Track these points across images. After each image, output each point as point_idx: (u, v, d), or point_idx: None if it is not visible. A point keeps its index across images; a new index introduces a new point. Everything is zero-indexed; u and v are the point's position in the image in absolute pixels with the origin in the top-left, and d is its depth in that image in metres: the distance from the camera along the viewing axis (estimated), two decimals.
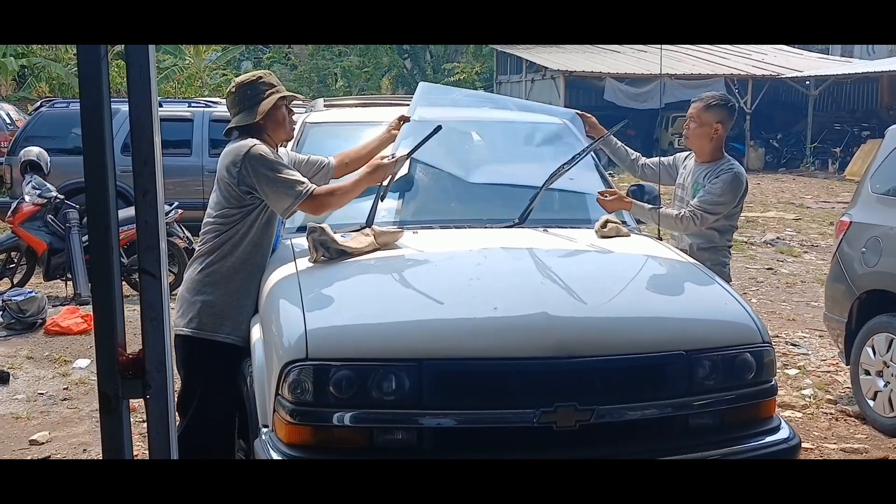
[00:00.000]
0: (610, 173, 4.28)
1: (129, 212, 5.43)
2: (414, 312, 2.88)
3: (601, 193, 3.83)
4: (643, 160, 4.34)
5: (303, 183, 3.25)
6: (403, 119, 3.80)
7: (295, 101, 3.57)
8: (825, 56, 30.70)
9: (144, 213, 1.54)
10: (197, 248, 3.44)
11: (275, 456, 2.66)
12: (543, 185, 3.69)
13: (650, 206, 3.93)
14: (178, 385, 3.62)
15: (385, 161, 3.43)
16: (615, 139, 4.36)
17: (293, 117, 3.53)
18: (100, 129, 1.52)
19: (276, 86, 3.44)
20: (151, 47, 1.52)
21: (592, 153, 4.14)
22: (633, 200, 3.92)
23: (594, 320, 2.86)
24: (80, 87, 1.53)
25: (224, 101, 3.82)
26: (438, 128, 3.51)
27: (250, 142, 3.29)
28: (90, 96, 1.50)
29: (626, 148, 4.40)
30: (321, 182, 3.50)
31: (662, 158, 4.36)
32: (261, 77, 3.45)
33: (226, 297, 3.32)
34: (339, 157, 3.73)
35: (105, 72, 1.53)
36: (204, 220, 3.42)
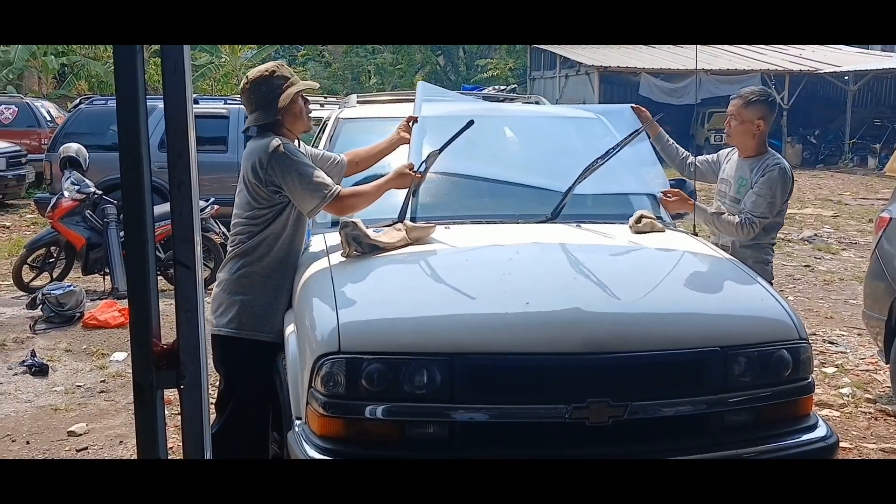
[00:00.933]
0: None
1: (165, 207, 5.49)
2: (446, 307, 2.88)
3: (665, 193, 3.81)
4: (691, 158, 4.30)
5: (328, 185, 3.26)
6: (412, 120, 3.81)
7: (310, 90, 3.56)
8: (865, 51, 30.17)
9: (179, 205, 1.55)
10: (230, 249, 3.43)
11: (307, 448, 2.67)
12: (576, 180, 3.67)
13: (711, 209, 3.90)
14: (213, 381, 3.67)
15: (409, 171, 3.42)
16: (666, 136, 4.33)
17: (309, 107, 3.53)
18: (135, 123, 1.53)
19: (290, 78, 3.41)
20: (187, 50, 1.53)
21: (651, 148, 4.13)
22: (696, 203, 3.92)
23: (627, 316, 2.84)
24: (116, 83, 1.54)
25: None
26: (470, 122, 3.50)
27: (274, 140, 3.29)
28: (126, 92, 1.52)
29: (677, 146, 4.35)
30: (335, 179, 3.51)
31: (707, 156, 4.33)
32: (274, 71, 3.40)
33: (264, 297, 3.35)
34: (351, 156, 3.76)
35: (140, 69, 1.54)
36: (233, 221, 3.43)
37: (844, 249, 10.78)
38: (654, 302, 2.99)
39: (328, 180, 3.29)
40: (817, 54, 27.91)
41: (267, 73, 3.39)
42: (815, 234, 11.74)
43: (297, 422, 2.86)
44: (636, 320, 2.84)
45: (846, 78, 24.67)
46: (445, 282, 3.08)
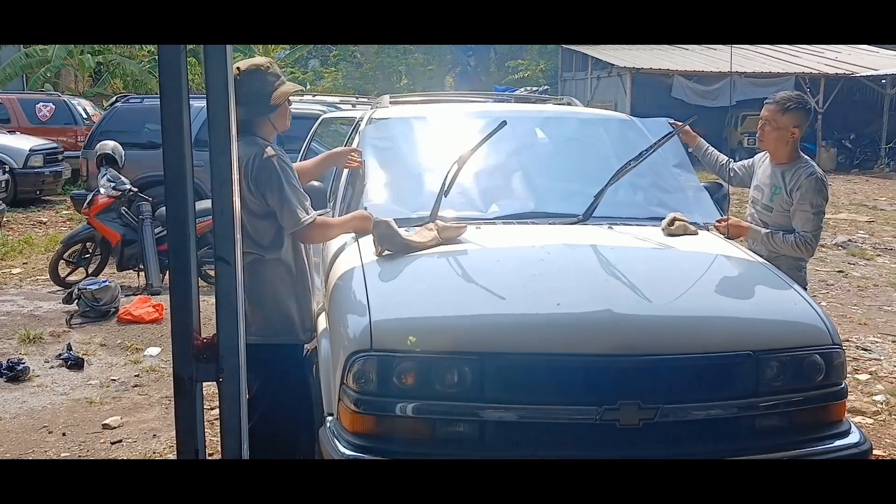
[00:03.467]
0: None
1: (200, 205, 5.56)
2: (477, 307, 2.89)
3: (718, 221, 3.81)
4: (731, 164, 4.27)
5: (308, 210, 3.31)
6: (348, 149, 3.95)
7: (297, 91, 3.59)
8: None
9: (221, 202, 1.59)
10: (244, 256, 3.41)
11: (338, 444, 2.70)
12: (609, 181, 3.67)
13: (765, 230, 3.91)
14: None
15: (369, 217, 3.39)
16: (706, 144, 4.32)
17: (290, 106, 3.55)
18: (178, 120, 1.57)
19: (280, 76, 3.44)
20: (229, 49, 1.57)
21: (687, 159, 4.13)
22: (751, 225, 3.92)
23: (659, 318, 2.83)
24: (161, 82, 1.58)
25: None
26: (503, 123, 3.52)
27: (267, 147, 3.31)
28: (170, 90, 1.55)
29: (717, 152, 4.34)
30: None
31: (744, 161, 4.31)
32: (268, 67, 3.41)
33: (282, 302, 3.39)
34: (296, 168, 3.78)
35: (184, 68, 1.58)
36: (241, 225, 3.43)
37: (879, 255, 10.64)
38: (687, 305, 2.98)
39: (308, 204, 3.33)
40: (853, 57, 27.55)
41: (262, 68, 3.39)
42: (850, 240, 11.59)
43: (329, 418, 2.89)
44: (668, 323, 2.83)
45: (883, 81, 24.32)
46: (477, 282, 3.09)
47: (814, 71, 25.03)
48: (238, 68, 3.38)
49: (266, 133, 3.42)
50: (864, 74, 24.58)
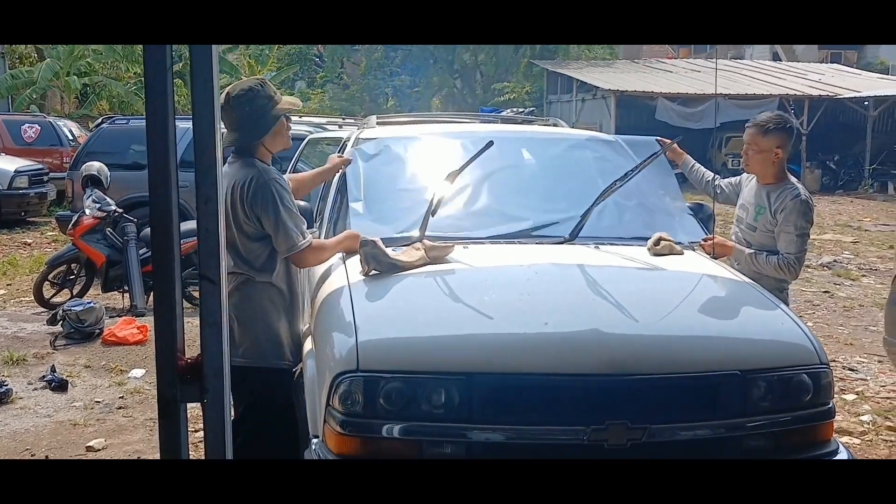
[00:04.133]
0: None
1: (185, 226, 5.54)
2: (464, 326, 2.88)
3: (704, 240, 3.83)
4: (718, 181, 4.30)
5: (304, 234, 3.30)
6: (344, 161, 3.94)
7: (293, 111, 3.52)
8: (884, 76, 30.11)
9: (206, 220, 1.58)
10: (235, 277, 3.36)
11: None
12: (595, 201, 3.68)
13: (749, 250, 3.93)
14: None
15: (358, 234, 3.37)
16: (692, 161, 4.35)
17: (290, 124, 3.51)
18: (164, 140, 1.56)
19: (273, 96, 3.37)
20: (215, 57, 1.56)
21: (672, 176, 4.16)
22: (735, 245, 3.94)
23: (647, 338, 2.83)
24: (147, 97, 1.57)
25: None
26: (490, 143, 3.52)
27: (266, 171, 3.30)
28: (156, 110, 1.54)
29: (704, 169, 4.37)
30: None
31: (731, 179, 4.33)
32: (258, 90, 3.33)
33: (272, 324, 3.37)
34: (292, 180, 3.80)
35: (170, 83, 1.57)
36: (229, 246, 3.34)
37: (864, 276, 10.70)
38: (674, 324, 2.98)
39: (304, 228, 3.32)
40: (836, 79, 27.86)
41: (251, 92, 3.33)
42: (835, 260, 11.66)
43: (314, 440, 2.86)
44: (656, 342, 2.83)
45: (866, 103, 24.58)
46: (464, 301, 3.08)
47: (798, 92, 25.28)
48: (228, 93, 3.34)
49: (262, 155, 3.39)
50: (848, 96, 24.84)
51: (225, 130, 3.42)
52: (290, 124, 3.50)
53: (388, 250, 3.24)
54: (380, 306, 3.06)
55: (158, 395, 1.59)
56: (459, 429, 2.65)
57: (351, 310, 2.94)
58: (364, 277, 3.19)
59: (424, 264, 3.26)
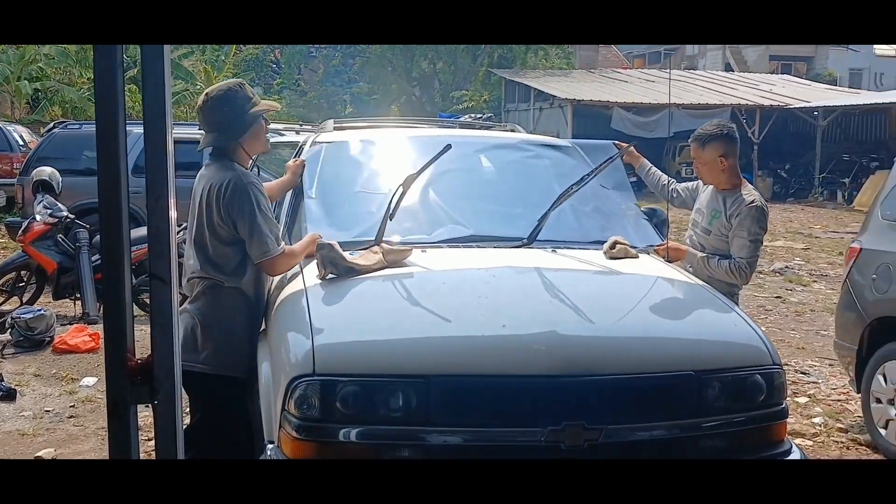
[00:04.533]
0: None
1: (137, 232, 5.44)
2: (422, 329, 2.87)
3: (658, 247, 3.88)
4: (673, 185, 4.35)
5: (278, 240, 3.26)
6: (299, 163, 3.90)
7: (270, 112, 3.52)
8: (833, 87, 30.81)
9: (156, 218, 1.54)
10: (198, 280, 3.32)
11: None
12: (552, 205, 3.69)
13: (701, 254, 3.97)
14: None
15: (318, 238, 3.32)
16: (649, 165, 4.40)
17: (268, 127, 3.50)
18: (114, 142, 1.52)
19: (252, 98, 3.35)
20: (167, 50, 1.53)
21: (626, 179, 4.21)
22: (688, 248, 3.98)
23: (604, 339, 2.85)
24: (96, 99, 1.53)
25: None
26: (448, 147, 3.52)
27: (244, 174, 3.26)
28: (106, 114, 1.51)
29: (660, 173, 4.42)
30: None
31: (688, 183, 4.38)
32: (237, 90, 3.32)
33: (239, 332, 3.31)
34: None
35: (121, 85, 1.53)
36: (195, 251, 3.32)
37: (815, 281, 10.92)
38: (630, 326, 3.01)
39: (278, 234, 3.29)
40: (787, 89, 28.44)
41: (230, 92, 3.31)
42: (787, 266, 11.87)
43: (270, 446, 2.82)
44: (612, 344, 2.85)
45: (815, 113, 25.12)
46: (422, 304, 3.07)
47: (749, 102, 25.73)
48: (206, 94, 3.31)
49: (241, 158, 3.35)
50: (798, 106, 25.35)
51: (203, 132, 3.39)
52: (269, 127, 3.48)
53: (346, 254, 3.22)
54: (336, 310, 3.03)
55: (108, 397, 1.55)
56: (417, 432, 2.63)
57: (307, 313, 2.91)
58: (321, 281, 3.17)
59: (382, 268, 3.24)
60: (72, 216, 8.10)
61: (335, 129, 4.72)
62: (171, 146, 1.58)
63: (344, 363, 2.69)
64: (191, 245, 3.34)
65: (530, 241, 3.63)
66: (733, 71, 36.61)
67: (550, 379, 2.67)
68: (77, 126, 11.31)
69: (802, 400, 5.89)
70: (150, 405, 1.58)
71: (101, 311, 7.73)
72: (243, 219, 3.19)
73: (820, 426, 5.36)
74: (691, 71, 35.52)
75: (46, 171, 8.31)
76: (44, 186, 8.17)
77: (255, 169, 3.66)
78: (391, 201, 3.44)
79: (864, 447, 5.02)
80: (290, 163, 4.04)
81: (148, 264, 1.56)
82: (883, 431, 4.89)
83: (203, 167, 3.41)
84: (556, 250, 3.61)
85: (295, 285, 3.21)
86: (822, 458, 4.81)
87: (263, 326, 3.41)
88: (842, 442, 5.12)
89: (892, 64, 42.88)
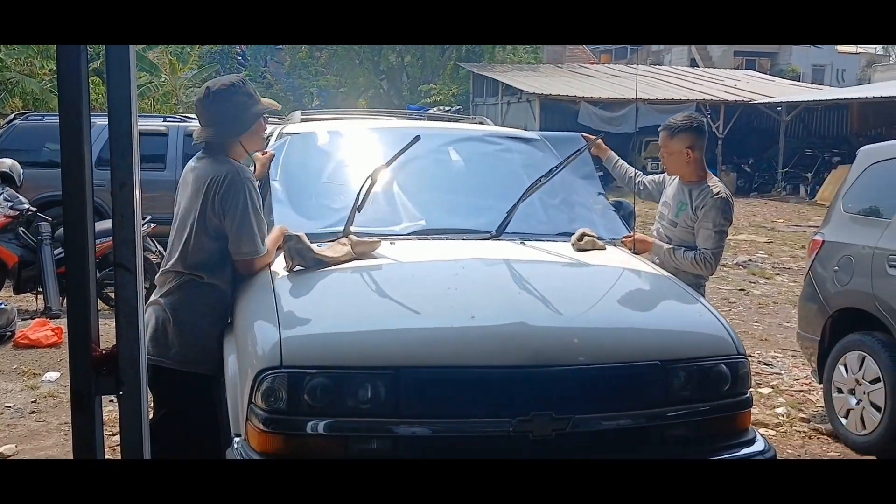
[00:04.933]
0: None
1: (101, 225, 5.37)
2: (391, 321, 2.86)
3: (625, 237, 3.90)
4: (640, 177, 4.38)
5: (263, 241, 3.22)
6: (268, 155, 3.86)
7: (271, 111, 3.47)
8: (796, 83, 31.23)
9: (121, 206, 1.52)
10: (173, 274, 3.27)
11: None
12: (520, 198, 3.70)
13: (668, 245, 4.00)
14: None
15: (286, 231, 3.30)
16: (616, 157, 4.43)
17: (266, 126, 3.47)
18: (78, 133, 1.50)
19: (253, 95, 3.32)
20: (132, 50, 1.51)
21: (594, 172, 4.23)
22: (655, 240, 4.02)
23: (571, 330, 2.86)
24: (60, 92, 1.50)
25: None
26: (417, 138, 3.51)
27: (242, 169, 3.21)
28: (70, 104, 1.48)
29: (627, 166, 4.45)
30: None
31: (654, 176, 4.41)
32: (240, 86, 3.28)
33: (213, 330, 3.26)
34: None
35: (85, 81, 1.51)
36: (176, 243, 3.28)
37: (778, 274, 11.07)
38: (597, 317, 3.03)
39: (266, 235, 3.24)
40: (751, 85, 28.77)
41: (233, 87, 3.26)
42: (750, 260, 12.03)
43: (237, 439, 2.79)
44: (580, 334, 2.87)
45: (779, 108, 25.44)
46: (390, 296, 3.06)
47: (714, 98, 25.98)
48: (208, 88, 3.26)
49: (237, 154, 3.30)
50: (762, 101, 25.66)
51: (197, 126, 3.33)
52: (267, 125, 3.44)
53: (314, 245, 3.20)
54: (304, 301, 3.01)
55: (71, 388, 1.53)
56: (386, 423, 2.63)
57: (274, 305, 2.89)
58: (288, 273, 3.14)
59: (350, 260, 3.22)
60: (33, 209, 7.97)
61: (302, 120, 4.69)
62: (136, 135, 1.56)
63: (312, 355, 2.67)
64: (173, 238, 3.29)
65: (499, 233, 3.63)
66: (698, 66, 36.97)
67: (519, 370, 2.68)
68: (39, 118, 11.11)
69: (766, 391, 5.98)
70: (115, 397, 1.56)
71: (64, 306, 7.61)
72: (234, 213, 3.13)
73: (783, 416, 5.44)
74: (657, 66, 35.79)
75: (7, 164, 8.16)
76: (4, 179, 8.02)
77: (253, 168, 3.61)
78: (360, 193, 3.43)
79: (825, 436, 5.10)
80: (259, 154, 3.99)
81: (113, 253, 1.54)
82: (844, 420, 4.98)
83: (194, 159, 3.35)
84: (525, 242, 3.62)
85: (262, 277, 3.19)
86: (786, 448, 4.88)
87: (230, 319, 3.38)
88: (804, 431, 5.20)
89: (854, 60, 43.63)
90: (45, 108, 21.86)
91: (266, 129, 3.47)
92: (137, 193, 1.54)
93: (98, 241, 6.56)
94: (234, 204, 3.14)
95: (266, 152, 3.97)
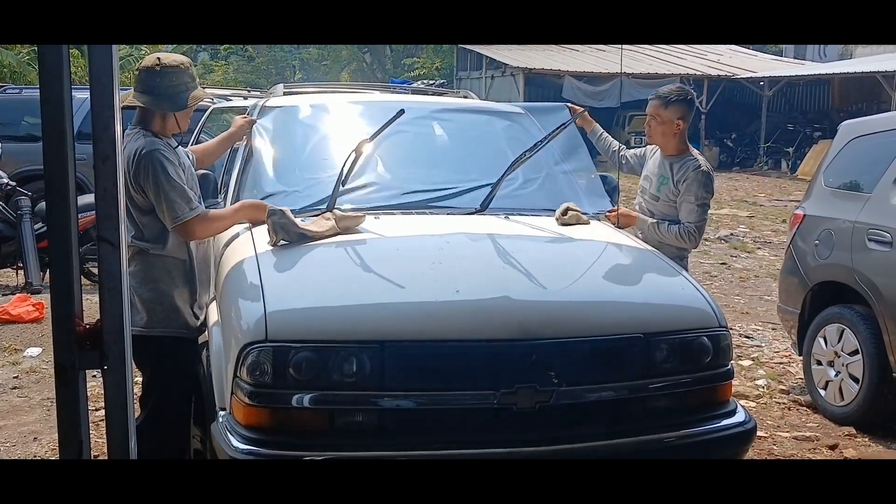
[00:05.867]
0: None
1: (83, 199, 5.32)
2: (376, 295, 2.87)
3: (608, 212, 3.91)
4: (624, 151, 4.39)
5: (193, 203, 3.26)
6: (249, 121, 3.94)
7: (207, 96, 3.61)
8: (779, 58, 31.26)
9: (104, 180, 1.51)
10: (130, 249, 3.32)
11: (232, 438, 2.62)
12: (505, 172, 3.70)
13: (651, 219, 4.01)
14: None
15: (263, 205, 3.34)
16: (601, 130, 4.42)
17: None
18: (59, 108, 1.48)
19: (195, 79, 3.44)
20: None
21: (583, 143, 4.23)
22: (639, 215, 4.02)
23: (555, 304, 2.88)
24: (40, 67, 1.48)
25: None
26: (401, 112, 3.50)
27: (151, 143, 3.27)
28: (51, 79, 1.47)
29: (611, 139, 4.45)
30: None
31: (636, 150, 4.41)
32: (188, 67, 3.40)
33: (170, 292, 3.33)
34: (199, 153, 3.80)
35: (66, 60, 1.50)
36: (127, 217, 3.29)
37: (759, 248, 11.14)
38: (581, 290, 3.04)
39: (191, 199, 3.27)
40: (735, 60, 28.77)
41: (182, 67, 3.37)
42: (732, 234, 12.10)
43: (222, 412, 2.80)
44: (563, 308, 2.88)
45: (762, 83, 25.49)
46: (375, 270, 3.06)
47: (697, 72, 25.99)
48: (159, 59, 3.36)
49: (160, 129, 3.35)
50: (744, 77, 25.70)
51: (135, 89, 3.39)
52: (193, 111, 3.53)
53: (297, 220, 3.19)
54: (289, 276, 3.01)
55: (55, 363, 1.53)
56: (371, 396, 2.64)
57: (259, 279, 2.89)
58: (272, 247, 3.14)
59: (335, 234, 3.22)
60: (13, 183, 7.89)
61: (285, 93, 4.65)
62: (118, 109, 1.55)
63: (297, 329, 2.68)
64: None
65: (484, 207, 3.63)
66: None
67: (503, 343, 2.69)
68: (17, 90, 10.97)
69: (746, 363, 6.04)
70: (98, 371, 1.56)
71: (45, 281, 7.55)
72: (149, 187, 3.22)
73: (763, 388, 5.50)
74: None
75: None
76: None
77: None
78: (343, 167, 3.41)
79: (804, 407, 5.16)
80: (239, 118, 3.99)
81: (96, 227, 1.53)
82: (822, 392, 5.04)
83: (126, 134, 3.39)
84: (509, 217, 3.62)
85: (246, 251, 3.17)
86: (766, 419, 4.94)
87: (212, 294, 3.37)
88: (784, 403, 5.26)
89: None
90: (23, 80, 21.52)
91: (190, 113, 3.50)
92: (119, 168, 1.53)
93: (80, 216, 6.54)
94: (146, 179, 3.21)
95: (246, 116, 3.97)
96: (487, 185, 3.69)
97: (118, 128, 1.53)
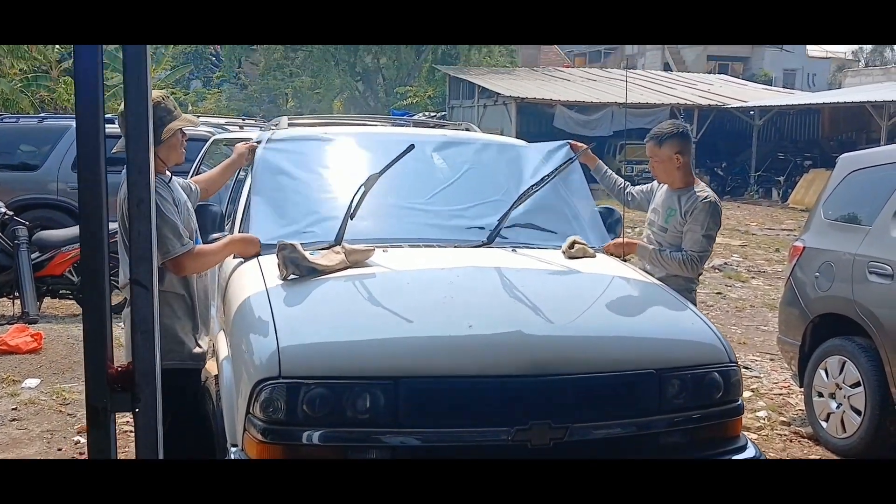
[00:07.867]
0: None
1: (75, 230, 5.31)
2: (389, 330, 2.87)
3: (607, 246, 3.93)
4: (630, 188, 4.43)
5: (184, 239, 3.25)
6: (252, 147, 3.96)
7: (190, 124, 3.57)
8: (768, 87, 31.61)
9: (138, 222, 1.52)
10: (127, 285, 3.27)
11: None
12: (512, 206, 3.72)
13: (652, 246, 4.03)
14: None
15: (255, 240, 3.43)
16: (605, 167, 4.46)
17: (185, 140, 3.52)
18: (95, 142, 1.49)
19: (173, 111, 3.41)
20: (148, 57, 1.51)
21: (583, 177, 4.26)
22: (639, 242, 4.04)
23: (568, 339, 2.89)
24: (77, 97, 1.50)
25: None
26: (411, 147, 3.52)
27: None
28: (86, 110, 1.48)
29: (616, 176, 4.49)
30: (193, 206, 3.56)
31: (643, 186, 4.45)
32: (160, 102, 3.37)
33: (173, 323, 3.31)
34: (202, 183, 3.82)
35: (101, 88, 1.51)
36: (127, 255, 3.30)
37: (753, 277, 11.19)
38: (593, 325, 3.06)
39: (182, 234, 3.27)
40: (725, 89, 29.08)
41: (153, 102, 3.37)
42: (726, 263, 12.15)
43: (233, 449, 2.79)
44: (577, 343, 2.89)
45: (751, 112, 25.74)
46: (387, 305, 3.06)
47: (688, 102, 26.24)
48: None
49: (157, 169, 3.33)
50: (734, 106, 25.94)
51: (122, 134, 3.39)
52: (186, 140, 3.51)
53: (307, 253, 3.19)
54: (300, 311, 3.01)
55: (87, 405, 1.52)
56: (384, 433, 2.63)
57: (270, 314, 2.89)
58: (282, 282, 3.14)
59: (345, 268, 3.22)
60: (10, 213, 7.86)
61: (290, 126, 4.67)
62: (151, 150, 1.56)
63: (310, 365, 2.67)
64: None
65: (490, 240, 3.65)
66: (672, 70, 37.28)
67: (517, 379, 2.70)
68: (13, 120, 10.97)
69: (746, 394, 6.04)
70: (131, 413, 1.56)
71: (42, 311, 7.47)
72: None
73: (764, 419, 5.51)
74: (631, 70, 36.05)
75: None
76: None
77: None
78: (352, 201, 3.43)
79: (805, 439, 5.17)
80: (240, 144, 4.01)
81: (129, 269, 1.54)
82: (824, 424, 5.05)
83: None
84: (517, 250, 3.64)
85: (255, 286, 3.17)
86: (768, 451, 4.94)
87: (220, 329, 3.37)
88: (785, 435, 5.27)
89: (824, 65, 44.26)
90: (15, 108, 21.53)
91: (185, 144, 3.50)
92: (153, 208, 1.54)
93: (74, 247, 6.45)
94: None
95: (247, 143, 3.99)
96: (494, 218, 3.71)
97: (152, 171, 1.54)
